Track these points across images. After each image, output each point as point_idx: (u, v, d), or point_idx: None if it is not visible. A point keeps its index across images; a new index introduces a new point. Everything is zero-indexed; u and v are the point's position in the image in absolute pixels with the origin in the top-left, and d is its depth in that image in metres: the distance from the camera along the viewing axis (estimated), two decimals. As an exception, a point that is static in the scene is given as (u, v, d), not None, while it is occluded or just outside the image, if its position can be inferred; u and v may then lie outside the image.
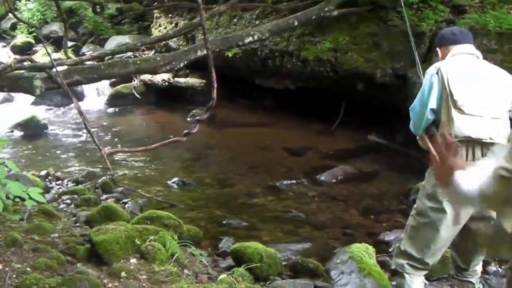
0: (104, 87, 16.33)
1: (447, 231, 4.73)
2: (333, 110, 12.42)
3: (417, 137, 4.87)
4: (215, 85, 7.61)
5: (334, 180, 9.51)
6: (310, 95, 12.63)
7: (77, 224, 7.16)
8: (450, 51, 4.86)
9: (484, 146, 4.57)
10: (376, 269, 5.76)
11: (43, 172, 9.79)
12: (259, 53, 13.25)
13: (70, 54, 12.53)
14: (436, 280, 5.97)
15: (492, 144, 4.55)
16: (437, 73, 4.67)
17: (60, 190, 9.09)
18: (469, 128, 4.54)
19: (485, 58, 9.66)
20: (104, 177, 9.45)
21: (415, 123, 4.81)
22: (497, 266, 6.34)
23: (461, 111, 4.56)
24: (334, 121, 12.41)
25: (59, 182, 9.58)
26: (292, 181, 9.62)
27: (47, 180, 9.55)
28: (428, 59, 10.86)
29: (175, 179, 9.69)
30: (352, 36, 11.80)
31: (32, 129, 13.09)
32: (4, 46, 20.60)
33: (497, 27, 9.93)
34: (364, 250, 6.12)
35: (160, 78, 15.16)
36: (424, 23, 10.83)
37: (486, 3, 10.96)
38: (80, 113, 8.27)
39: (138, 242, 5.75)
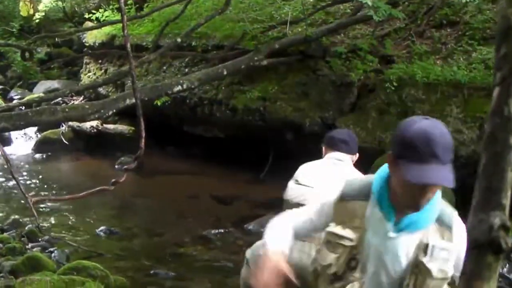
0: (32, 133, 16.13)
1: None
2: (262, 158, 12.49)
3: None
4: (143, 135, 7.60)
5: (262, 229, 9.43)
6: (239, 143, 12.68)
7: (1, 274, 7.03)
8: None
9: None
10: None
11: (-35, 220, 9.58)
12: (188, 101, 13.30)
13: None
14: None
15: None
16: None
17: (-17, 239, 8.90)
18: (300, 194, 4.99)
19: (413, 108, 9.94)
20: (30, 225, 9.28)
21: None
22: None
23: (296, 181, 5.12)
24: (264, 169, 12.49)
25: (-19, 230, 9.38)
26: (221, 230, 9.60)
27: (-31, 228, 9.34)
28: (357, 108, 11.06)
29: (103, 227, 9.57)
30: (281, 85, 11.94)
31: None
32: None
33: (424, 78, 10.15)
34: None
35: (89, 124, 14.99)
36: (353, 73, 11.02)
37: (413, 53, 11.21)
38: (6, 159, 8.16)
39: (64, 294, 5.69)
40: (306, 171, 5.20)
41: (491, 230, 1.39)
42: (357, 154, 5.33)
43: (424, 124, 2.78)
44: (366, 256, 3.02)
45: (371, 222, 3.02)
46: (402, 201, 2.91)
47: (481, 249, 1.42)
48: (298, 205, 4.83)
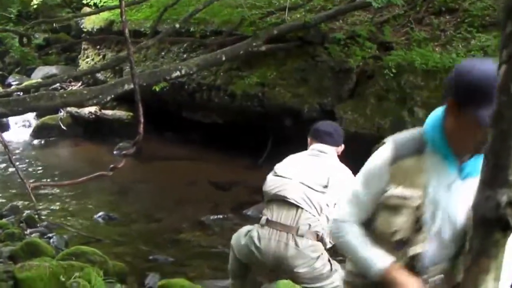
0: (30, 118, 16.10)
1: None
2: (261, 144, 12.47)
3: None
4: (142, 120, 7.57)
5: (261, 215, 9.48)
6: (237, 129, 12.66)
7: (0, 260, 7.03)
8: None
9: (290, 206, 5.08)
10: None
11: (-36, 206, 9.57)
12: (186, 86, 13.28)
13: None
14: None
15: (297, 207, 5.04)
16: None
17: (-18, 224, 8.89)
18: (278, 186, 5.12)
19: (412, 94, 9.91)
20: (28, 211, 9.29)
21: None
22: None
23: (274, 173, 5.25)
24: (262, 155, 12.46)
25: (-20, 216, 9.37)
26: (219, 216, 9.62)
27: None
28: (356, 94, 11.04)
29: (101, 213, 9.60)
30: (280, 71, 11.92)
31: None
32: None
33: (423, 64, 10.12)
34: (291, 287, 6.15)
35: (87, 110, 14.97)
36: (352, 59, 11.00)
37: (412, 40, 11.18)
38: (4, 145, 8.15)
39: (63, 279, 5.69)
40: (286, 163, 5.32)
41: (498, 207, 1.38)
42: (343, 146, 5.38)
43: (484, 67, 2.72)
44: (431, 213, 2.91)
45: (433, 174, 2.93)
46: (468, 146, 2.82)
47: (489, 226, 1.41)
48: (276, 195, 5.09)
